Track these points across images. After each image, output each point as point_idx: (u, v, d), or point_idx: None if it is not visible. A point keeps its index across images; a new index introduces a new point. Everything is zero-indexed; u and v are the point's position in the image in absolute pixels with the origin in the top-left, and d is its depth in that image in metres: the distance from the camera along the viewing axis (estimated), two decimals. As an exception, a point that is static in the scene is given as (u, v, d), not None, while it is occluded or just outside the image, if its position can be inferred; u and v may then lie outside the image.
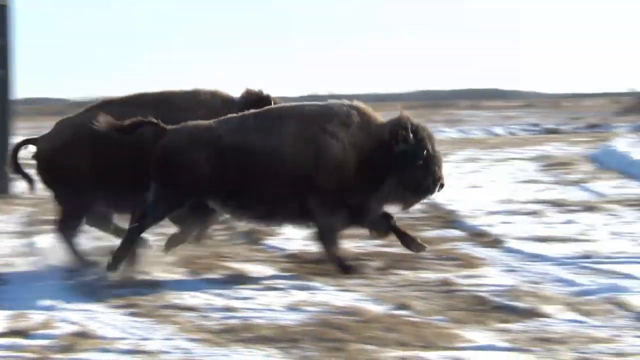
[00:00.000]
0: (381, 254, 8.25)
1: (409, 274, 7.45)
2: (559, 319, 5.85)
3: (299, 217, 7.70)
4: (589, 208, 11.13)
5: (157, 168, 7.56)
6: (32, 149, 8.40)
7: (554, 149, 21.94)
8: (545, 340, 5.36)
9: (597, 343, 5.28)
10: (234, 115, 7.79)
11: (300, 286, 7.07)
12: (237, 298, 6.73)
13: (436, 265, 7.75)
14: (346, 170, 7.56)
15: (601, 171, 16.24)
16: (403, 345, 5.39)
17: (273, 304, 6.53)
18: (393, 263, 7.85)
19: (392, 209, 7.91)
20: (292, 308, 6.39)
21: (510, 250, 8.44)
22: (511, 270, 7.46)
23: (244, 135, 7.58)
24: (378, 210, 7.83)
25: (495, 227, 9.72)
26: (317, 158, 7.53)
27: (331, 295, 6.78)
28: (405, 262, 7.88)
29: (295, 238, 9.19)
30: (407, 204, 7.90)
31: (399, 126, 7.64)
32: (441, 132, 29.91)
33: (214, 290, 7.00)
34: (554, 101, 61.25)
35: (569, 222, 10.04)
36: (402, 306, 6.30)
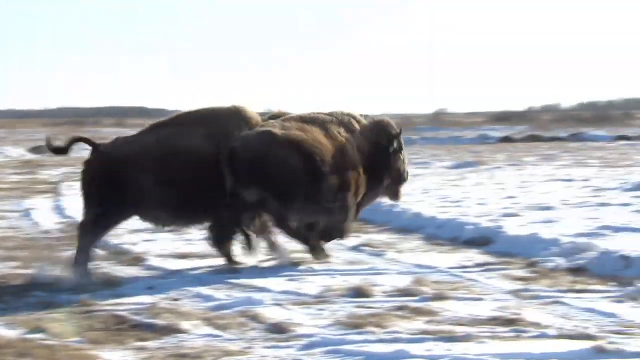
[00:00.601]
0: (18, 276, 7.95)
1: (45, 296, 7.24)
2: (196, 334, 5.99)
3: None
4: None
5: None
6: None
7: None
8: (181, 356, 5.47)
9: (231, 356, 5.48)
10: None
11: None
12: None
13: (75, 286, 7.58)
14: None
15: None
16: (36, 370, 5.24)
17: None
18: (30, 284, 7.60)
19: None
20: None
21: (151, 268, 8.53)
22: (151, 288, 7.52)
23: None
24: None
25: (138, 245, 9.75)
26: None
27: (-42, 322, 6.38)
28: (42, 284, 7.65)
29: None
30: (395, 195, 9.17)
31: (390, 127, 8.87)
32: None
33: None
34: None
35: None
36: (37, 330, 6.10)
